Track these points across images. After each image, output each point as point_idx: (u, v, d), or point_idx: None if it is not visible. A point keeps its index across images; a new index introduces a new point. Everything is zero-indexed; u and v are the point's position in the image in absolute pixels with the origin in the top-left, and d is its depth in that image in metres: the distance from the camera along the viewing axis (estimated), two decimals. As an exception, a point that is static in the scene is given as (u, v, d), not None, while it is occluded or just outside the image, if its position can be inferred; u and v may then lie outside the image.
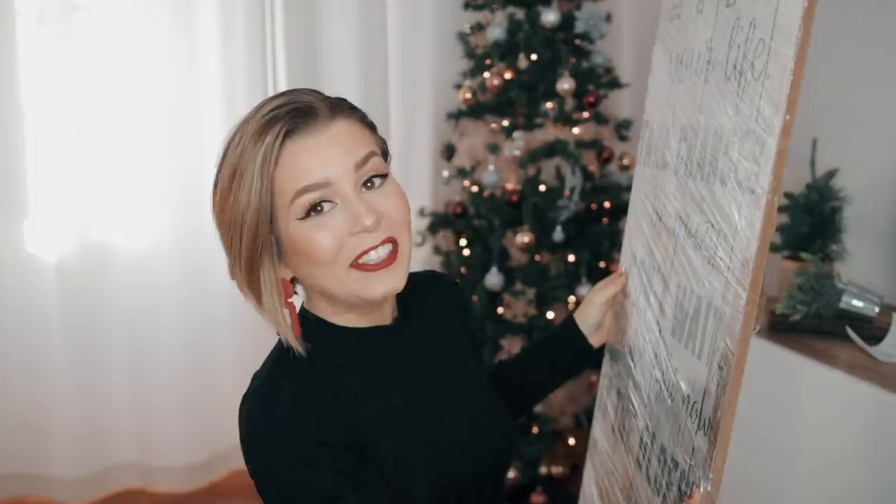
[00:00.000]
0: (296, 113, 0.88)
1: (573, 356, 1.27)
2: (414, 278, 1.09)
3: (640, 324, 1.17)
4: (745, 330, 0.83)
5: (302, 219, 0.88)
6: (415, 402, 0.98)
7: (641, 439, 1.12)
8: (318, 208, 0.88)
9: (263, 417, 0.89)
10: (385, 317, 1.00)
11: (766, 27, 0.85)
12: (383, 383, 0.97)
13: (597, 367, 1.39)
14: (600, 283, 1.28)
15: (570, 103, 2.43)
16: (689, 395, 0.95)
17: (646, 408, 1.11)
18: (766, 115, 0.82)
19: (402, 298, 1.03)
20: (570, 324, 1.27)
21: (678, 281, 1.03)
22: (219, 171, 0.92)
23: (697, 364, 0.93)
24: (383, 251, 0.90)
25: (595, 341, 1.27)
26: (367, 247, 0.89)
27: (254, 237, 0.89)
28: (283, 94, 0.92)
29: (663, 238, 1.11)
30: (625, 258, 1.31)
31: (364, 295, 0.91)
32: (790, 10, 0.80)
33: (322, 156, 0.89)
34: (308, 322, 0.98)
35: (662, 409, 1.04)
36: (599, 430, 1.36)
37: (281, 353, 0.96)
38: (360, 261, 0.90)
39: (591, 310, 1.25)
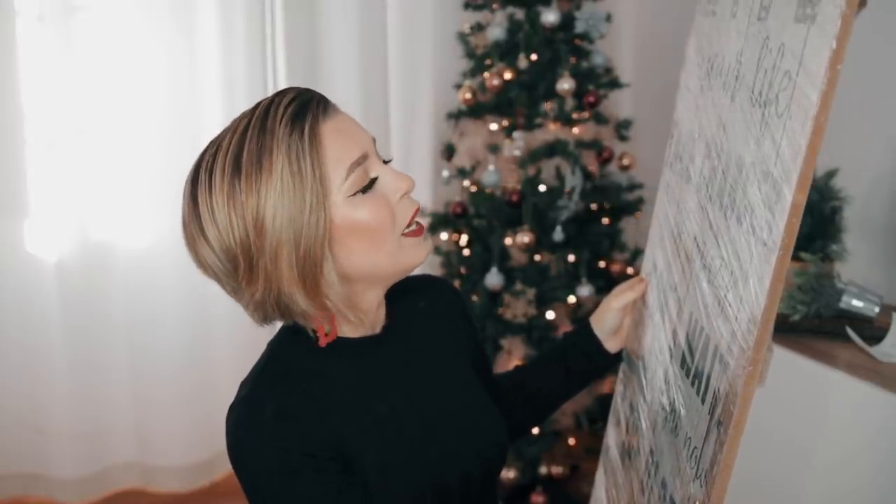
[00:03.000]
0: (318, 97, 0.88)
1: (588, 361, 1.22)
2: (408, 283, 1.08)
3: (653, 342, 1.13)
4: (747, 390, 0.78)
5: (353, 195, 0.87)
6: (401, 411, 0.97)
7: (646, 464, 1.08)
8: (370, 182, 0.88)
9: (247, 429, 0.89)
10: (375, 325, 0.99)
11: (794, 60, 0.76)
12: (369, 393, 0.96)
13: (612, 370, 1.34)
14: (619, 288, 1.24)
15: (570, 103, 2.43)
16: (690, 437, 0.91)
17: (653, 433, 1.08)
18: (785, 161, 0.75)
19: (394, 304, 1.02)
20: (585, 328, 1.23)
21: (691, 311, 0.98)
22: (240, 185, 0.83)
23: (700, 408, 0.89)
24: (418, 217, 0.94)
25: (612, 346, 1.22)
26: (414, 209, 0.92)
27: (317, 223, 0.84)
28: (284, 90, 0.89)
29: (681, 258, 1.06)
30: (646, 263, 1.26)
31: (413, 261, 0.92)
32: (817, 49, 0.71)
33: (357, 129, 0.90)
34: (296, 329, 0.97)
35: (666, 440, 1.00)
36: (612, 439, 1.33)
37: (267, 362, 0.96)
38: (408, 229, 0.91)
39: (607, 314, 1.21)
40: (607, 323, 1.21)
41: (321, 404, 0.92)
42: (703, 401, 0.89)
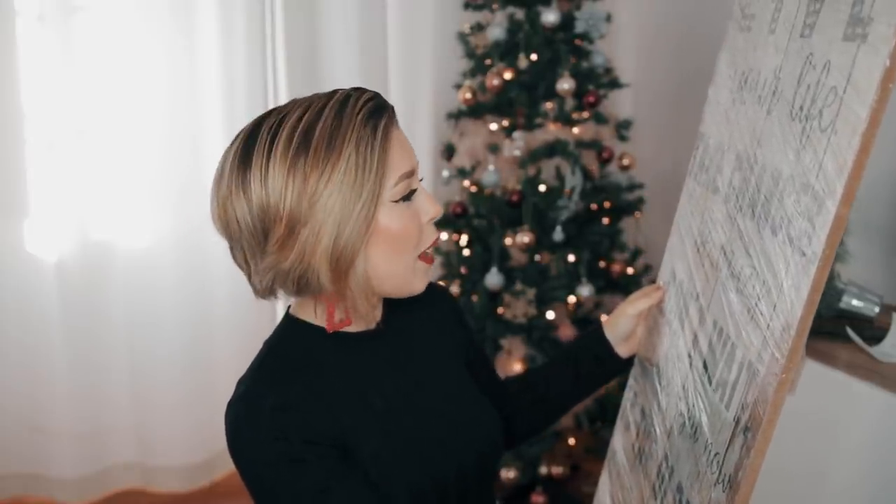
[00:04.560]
0: (391, 107, 0.93)
1: (598, 365, 1.23)
2: None
3: (671, 349, 1.13)
4: (778, 397, 0.79)
5: (396, 202, 0.91)
6: (396, 405, 0.99)
7: (660, 469, 1.09)
8: (412, 194, 0.93)
9: (247, 421, 0.90)
10: (370, 322, 1.01)
11: (841, 76, 0.77)
12: (366, 386, 0.98)
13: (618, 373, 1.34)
14: (635, 294, 1.24)
15: (570, 103, 2.43)
16: (711, 443, 0.92)
17: (667, 438, 1.08)
18: (829, 175, 0.76)
19: (389, 305, 1.04)
20: (597, 332, 1.23)
21: (715, 319, 0.99)
22: (305, 159, 0.86)
23: (724, 414, 0.90)
24: None
25: (623, 352, 1.23)
26: (436, 237, 0.97)
27: (365, 217, 0.88)
28: (359, 88, 0.93)
29: (705, 267, 1.07)
30: (664, 272, 1.26)
31: (416, 288, 0.97)
32: (869, 67, 0.71)
33: (410, 147, 0.94)
34: (294, 325, 0.98)
35: (684, 445, 1.01)
36: (619, 443, 1.33)
37: (264, 358, 0.97)
38: (427, 252, 0.96)
39: (621, 320, 1.21)
40: (620, 328, 1.22)
41: (319, 395, 0.93)
42: (727, 407, 0.90)
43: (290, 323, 0.99)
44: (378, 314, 1.02)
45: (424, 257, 0.96)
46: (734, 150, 1.05)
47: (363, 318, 0.98)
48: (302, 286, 0.92)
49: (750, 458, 0.81)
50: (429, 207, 0.95)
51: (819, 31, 0.84)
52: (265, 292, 0.94)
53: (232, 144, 0.92)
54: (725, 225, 1.03)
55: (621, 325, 1.21)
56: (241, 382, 0.95)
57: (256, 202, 0.87)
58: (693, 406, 1.00)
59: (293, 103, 0.91)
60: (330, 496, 0.88)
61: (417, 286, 0.97)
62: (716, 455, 0.90)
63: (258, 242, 0.90)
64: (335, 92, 0.91)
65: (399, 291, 0.97)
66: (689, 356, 1.05)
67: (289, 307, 1.01)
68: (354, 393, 0.96)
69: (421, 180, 0.97)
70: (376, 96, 0.91)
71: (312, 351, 0.96)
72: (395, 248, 0.92)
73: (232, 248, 0.94)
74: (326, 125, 0.87)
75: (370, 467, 0.92)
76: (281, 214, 0.87)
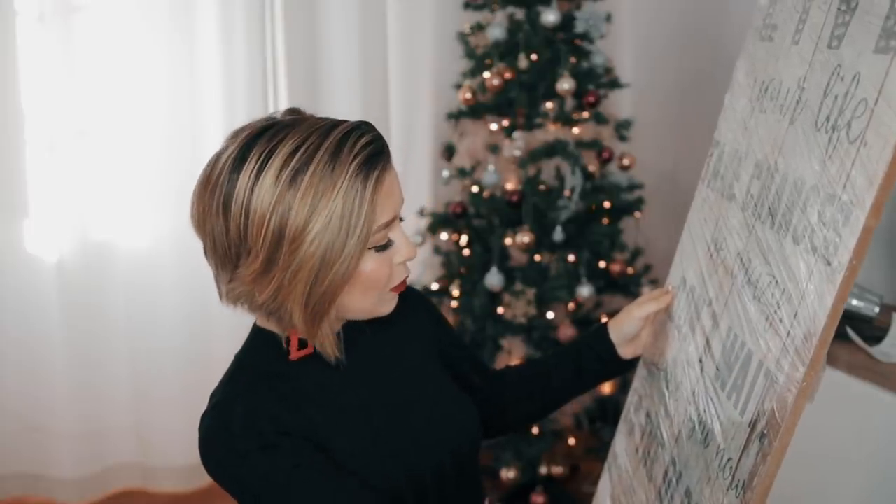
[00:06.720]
0: (387, 149, 0.90)
1: (600, 365, 1.23)
2: None
3: (680, 353, 1.13)
4: (798, 405, 0.79)
5: (371, 248, 0.90)
6: (369, 404, 1.00)
7: (666, 473, 1.09)
8: (387, 243, 0.92)
9: (218, 427, 0.91)
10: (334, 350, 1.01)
11: (872, 88, 0.76)
12: (337, 389, 0.98)
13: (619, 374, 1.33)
14: (643, 297, 1.24)
15: (570, 103, 2.43)
16: (724, 448, 0.91)
17: (675, 442, 1.08)
18: (858, 186, 0.75)
19: None
20: (601, 331, 1.23)
21: (729, 325, 0.99)
22: (291, 202, 0.83)
23: (738, 420, 0.90)
24: None
25: (626, 353, 1.22)
26: (406, 275, 0.97)
27: (346, 270, 0.87)
28: (362, 124, 0.89)
29: (719, 273, 1.06)
30: (673, 278, 1.26)
31: (385, 312, 0.97)
32: None
33: (398, 188, 0.93)
34: (261, 337, 0.99)
35: (693, 450, 1.00)
36: (622, 447, 1.33)
37: (234, 371, 0.98)
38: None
39: (627, 322, 1.21)
40: (625, 330, 1.21)
41: (290, 399, 0.94)
42: (741, 413, 0.89)
43: (257, 335, 1.00)
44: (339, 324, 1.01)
45: (394, 288, 0.96)
46: (753, 157, 1.05)
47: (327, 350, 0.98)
48: (274, 319, 0.94)
49: (766, 464, 0.81)
50: (403, 251, 0.94)
51: (848, 43, 0.84)
52: (230, 303, 0.94)
53: (222, 154, 0.89)
54: (742, 232, 1.02)
55: (627, 326, 1.21)
56: (213, 395, 0.97)
57: (234, 230, 0.86)
58: (704, 411, 1.00)
59: (292, 126, 0.87)
60: (305, 473, 0.89)
61: (387, 311, 0.97)
62: (728, 460, 0.89)
63: (230, 262, 0.89)
64: (335, 126, 0.87)
65: (367, 316, 0.97)
66: (700, 361, 1.05)
67: (256, 321, 1.02)
68: (324, 395, 0.97)
69: (401, 220, 0.95)
70: (375, 140, 0.88)
71: (280, 361, 0.97)
72: (365, 290, 0.91)
73: (205, 250, 0.94)
74: (318, 168, 0.83)
75: (344, 465, 0.93)
76: (258, 251, 0.86)
